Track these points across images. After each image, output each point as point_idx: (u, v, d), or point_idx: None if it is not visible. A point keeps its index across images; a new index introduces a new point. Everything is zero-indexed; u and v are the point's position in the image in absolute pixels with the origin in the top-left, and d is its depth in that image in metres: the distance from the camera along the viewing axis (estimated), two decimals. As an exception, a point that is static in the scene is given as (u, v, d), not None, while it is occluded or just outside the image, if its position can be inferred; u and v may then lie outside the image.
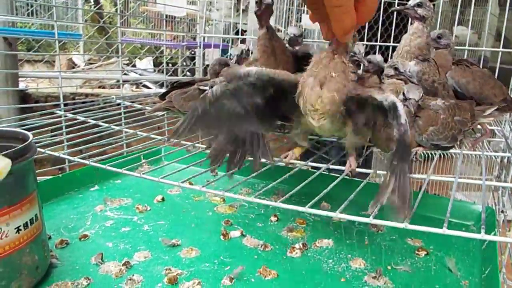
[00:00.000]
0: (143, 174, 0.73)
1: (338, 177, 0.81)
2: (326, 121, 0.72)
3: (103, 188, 1.07)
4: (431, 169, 0.79)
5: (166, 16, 2.60)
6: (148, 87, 4.22)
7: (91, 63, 4.79)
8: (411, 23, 0.98)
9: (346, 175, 0.81)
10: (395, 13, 1.06)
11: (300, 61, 0.94)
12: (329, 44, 0.69)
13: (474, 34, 3.66)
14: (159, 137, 0.97)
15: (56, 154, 0.80)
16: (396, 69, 0.88)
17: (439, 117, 0.87)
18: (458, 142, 0.88)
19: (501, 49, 1.18)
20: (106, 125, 1.01)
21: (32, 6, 3.03)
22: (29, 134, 0.65)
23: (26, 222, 0.60)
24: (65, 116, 1.05)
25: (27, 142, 0.62)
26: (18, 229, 0.58)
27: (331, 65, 0.67)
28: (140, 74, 4.83)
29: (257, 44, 0.99)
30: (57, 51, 1.25)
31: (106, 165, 0.77)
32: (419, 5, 0.95)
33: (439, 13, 1.52)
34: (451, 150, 0.91)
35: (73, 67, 4.93)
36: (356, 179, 0.88)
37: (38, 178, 1.12)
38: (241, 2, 2.93)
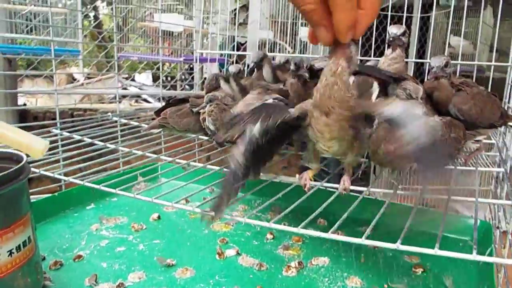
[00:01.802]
0: (137, 194, 0.73)
1: (335, 192, 0.81)
2: (335, 145, 0.74)
3: (99, 207, 1.06)
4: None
5: (164, 32, 2.62)
6: (147, 101, 4.25)
7: (90, 78, 4.82)
8: (390, 48, 0.99)
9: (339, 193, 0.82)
10: (387, 30, 1.08)
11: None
12: (329, 54, 0.68)
13: (470, 44, 3.68)
14: (155, 155, 0.97)
15: (50, 174, 0.80)
16: (409, 95, 0.88)
17: (438, 134, 0.87)
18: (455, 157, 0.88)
19: (493, 63, 1.19)
20: (102, 143, 1.01)
21: (31, 21, 3.06)
22: (23, 155, 0.65)
23: (19, 245, 0.60)
24: (61, 135, 1.05)
25: (20, 164, 0.62)
26: (10, 252, 0.58)
27: (334, 91, 0.67)
28: (139, 88, 4.86)
29: (289, 89, 1.00)
30: (53, 69, 1.26)
31: (100, 185, 0.77)
32: (403, 34, 0.98)
33: (433, 24, 1.53)
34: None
35: (73, 82, 4.96)
36: (353, 193, 0.88)
37: (35, 196, 1.13)
38: (237, 16, 2.95)
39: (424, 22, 4.15)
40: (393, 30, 0.98)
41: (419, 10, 3.42)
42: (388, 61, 0.98)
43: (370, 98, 0.83)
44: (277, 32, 3.50)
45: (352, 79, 0.77)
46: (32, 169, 0.79)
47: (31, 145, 0.59)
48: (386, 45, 1.00)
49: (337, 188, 0.83)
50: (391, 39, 0.98)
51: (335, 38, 0.54)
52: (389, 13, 1.38)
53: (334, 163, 1.06)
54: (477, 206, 0.68)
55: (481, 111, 0.91)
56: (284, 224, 0.96)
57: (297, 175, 0.89)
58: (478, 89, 0.95)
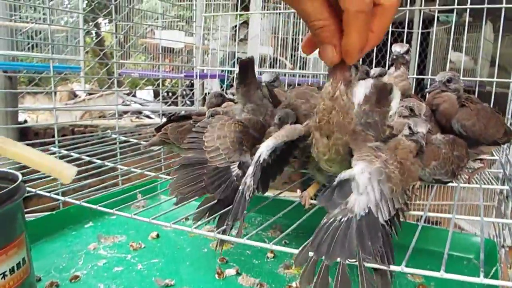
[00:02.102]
0: (134, 214, 0.71)
1: None
2: (335, 166, 0.73)
3: (97, 225, 1.05)
4: (427, 204, 0.77)
5: (165, 48, 2.63)
6: (149, 117, 4.26)
7: (91, 94, 4.84)
8: (394, 66, 1.00)
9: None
10: (388, 45, 1.08)
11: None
12: (328, 75, 0.65)
13: (471, 60, 3.70)
14: (153, 174, 0.95)
15: (46, 193, 0.79)
16: (412, 110, 0.88)
17: (441, 151, 0.85)
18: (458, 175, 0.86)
19: (495, 79, 1.18)
20: (100, 161, 1.00)
21: (33, 38, 3.09)
22: (19, 174, 0.64)
23: (13, 267, 0.58)
24: (59, 153, 1.04)
25: (16, 183, 0.61)
26: (3, 275, 0.56)
27: (332, 116, 0.66)
28: (141, 104, 4.88)
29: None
30: (52, 87, 1.26)
31: (97, 204, 0.75)
32: (406, 52, 0.99)
33: (434, 40, 1.53)
34: (449, 184, 0.89)
35: (74, 98, 4.98)
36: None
37: (34, 214, 1.12)
38: (237, 32, 2.98)
39: (424, 37, 4.18)
40: (397, 48, 0.99)
41: (420, 26, 3.44)
42: (393, 79, 0.98)
43: (389, 105, 0.81)
44: (277, 48, 3.52)
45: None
46: (28, 188, 0.78)
47: (62, 171, 0.61)
48: (389, 63, 1.00)
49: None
50: (394, 57, 0.98)
51: None
52: (390, 29, 1.39)
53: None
54: (483, 225, 0.67)
55: (484, 128, 0.91)
56: (285, 243, 0.95)
57: (298, 191, 0.87)
58: (481, 105, 0.95)
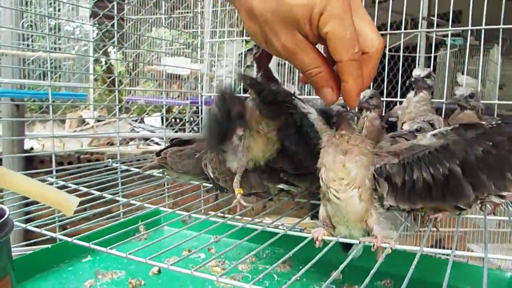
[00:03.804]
0: (129, 254, 0.66)
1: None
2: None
3: (95, 259, 0.99)
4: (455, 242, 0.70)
5: (171, 75, 2.63)
6: (158, 144, 4.23)
7: (99, 121, 4.86)
8: (414, 90, 0.97)
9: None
10: (400, 70, 1.05)
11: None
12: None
13: (477, 83, 3.65)
14: (154, 206, 0.90)
15: (38, 230, 0.74)
16: (432, 125, 0.84)
17: None
18: (480, 205, 0.80)
19: (496, 101, 1.14)
20: (99, 193, 0.95)
21: (41, 67, 3.11)
22: (6, 208, 0.59)
23: (-5, 313, 0.53)
24: (56, 184, 1.00)
25: (1, 220, 0.56)
26: (-17, 323, 0.51)
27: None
28: (149, 131, 4.87)
29: None
30: (50, 115, 1.23)
31: (90, 242, 0.70)
32: (427, 76, 0.96)
33: (446, 64, 1.49)
34: (473, 216, 0.83)
35: (82, 125, 5.00)
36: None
37: (31, 247, 1.06)
38: (244, 58, 2.97)
39: (432, 61, 4.16)
40: (417, 72, 0.96)
41: (429, 50, 3.42)
42: (414, 103, 0.94)
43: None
44: (284, 74, 3.51)
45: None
46: (17, 223, 0.73)
47: (64, 202, 0.59)
48: (409, 88, 0.97)
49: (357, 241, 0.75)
50: (413, 80, 0.94)
51: None
52: (401, 52, 1.35)
53: None
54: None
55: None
56: (304, 280, 0.88)
57: (312, 229, 0.80)
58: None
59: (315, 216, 0.86)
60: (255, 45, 0.93)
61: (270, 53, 0.59)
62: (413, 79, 0.98)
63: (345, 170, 0.67)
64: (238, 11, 0.57)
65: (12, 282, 0.57)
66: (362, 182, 0.67)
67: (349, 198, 0.67)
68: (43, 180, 1.02)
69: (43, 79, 3.12)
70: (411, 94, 0.97)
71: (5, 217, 0.57)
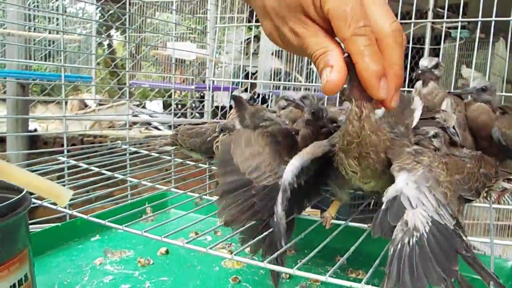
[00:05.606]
0: (144, 232, 0.67)
1: (363, 229, 0.75)
2: (372, 181, 0.69)
3: (104, 238, 1.01)
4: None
5: (176, 59, 2.62)
6: (158, 129, 4.24)
7: (101, 104, 4.86)
8: (422, 82, 0.95)
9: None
10: (409, 57, 1.04)
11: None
12: (348, 96, 0.61)
13: (483, 76, 3.65)
14: (164, 188, 0.91)
15: (52, 206, 0.75)
16: (438, 122, 0.84)
17: (466, 165, 0.80)
18: (485, 194, 0.81)
19: (503, 93, 1.14)
20: (110, 173, 0.96)
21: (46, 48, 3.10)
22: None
23: (15, 284, 0.54)
24: (68, 163, 1.01)
25: (20, 195, 0.57)
26: (4, 293, 0.53)
27: (365, 137, 0.61)
28: (150, 116, 4.88)
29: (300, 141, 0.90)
30: (63, 95, 1.23)
31: (105, 220, 0.71)
32: (435, 66, 0.93)
33: (455, 57, 1.49)
34: (479, 204, 0.84)
35: (84, 108, 5.00)
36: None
37: (40, 225, 1.08)
38: (251, 46, 2.97)
39: (436, 53, 4.15)
40: (424, 62, 0.93)
41: (435, 41, 3.41)
42: (427, 96, 0.92)
43: (412, 115, 0.77)
44: (289, 62, 3.51)
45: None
46: (34, 200, 0.75)
47: (59, 194, 0.61)
48: (415, 79, 0.95)
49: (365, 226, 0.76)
50: (419, 71, 0.92)
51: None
52: (410, 43, 1.35)
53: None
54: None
55: None
56: (308, 264, 0.89)
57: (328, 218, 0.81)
58: None
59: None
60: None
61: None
62: (419, 71, 0.94)
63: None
64: (255, 10, 0.55)
65: (30, 254, 0.59)
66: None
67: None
68: (55, 159, 1.03)
69: (46, 61, 3.12)
70: (419, 83, 0.96)
71: (23, 192, 0.58)
